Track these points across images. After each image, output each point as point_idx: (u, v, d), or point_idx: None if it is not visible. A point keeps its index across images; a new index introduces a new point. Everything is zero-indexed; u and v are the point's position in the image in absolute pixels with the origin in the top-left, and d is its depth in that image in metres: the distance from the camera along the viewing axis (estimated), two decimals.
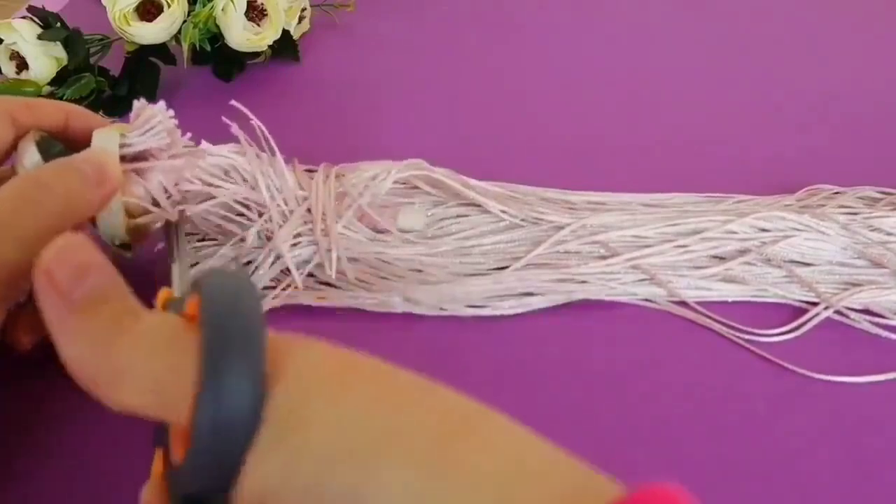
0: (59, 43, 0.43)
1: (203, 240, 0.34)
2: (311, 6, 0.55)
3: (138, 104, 0.29)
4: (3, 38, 0.43)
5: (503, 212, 0.36)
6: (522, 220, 0.36)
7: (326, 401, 0.16)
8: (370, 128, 0.45)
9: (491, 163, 0.40)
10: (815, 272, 0.35)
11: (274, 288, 0.32)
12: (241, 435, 0.15)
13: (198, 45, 0.46)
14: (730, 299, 0.34)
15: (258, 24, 0.47)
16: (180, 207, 0.30)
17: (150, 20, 0.44)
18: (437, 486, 0.14)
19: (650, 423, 0.29)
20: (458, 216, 0.36)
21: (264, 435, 0.15)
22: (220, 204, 0.32)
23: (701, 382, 0.30)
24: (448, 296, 0.32)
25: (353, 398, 0.16)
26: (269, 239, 0.33)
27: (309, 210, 0.34)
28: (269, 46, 0.48)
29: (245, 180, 0.32)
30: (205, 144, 0.32)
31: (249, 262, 0.33)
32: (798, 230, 0.35)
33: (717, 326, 0.32)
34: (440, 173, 0.37)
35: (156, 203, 0.29)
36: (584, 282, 0.33)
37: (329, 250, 0.32)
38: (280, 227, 0.33)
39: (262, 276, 0.32)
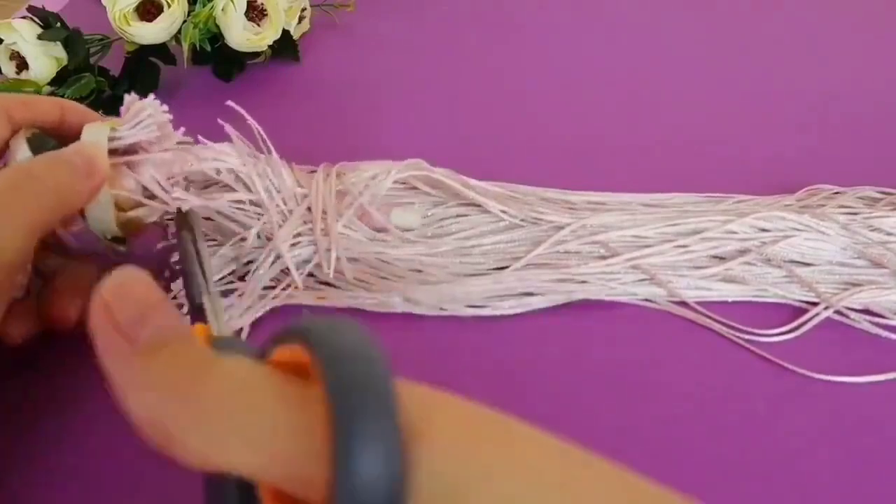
0: (59, 43, 0.43)
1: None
2: (311, 6, 0.55)
3: (129, 98, 0.29)
4: (3, 38, 0.43)
5: (503, 212, 0.36)
6: (522, 220, 0.36)
7: (486, 472, 0.14)
8: (370, 128, 0.45)
9: (491, 163, 0.40)
10: (815, 272, 0.35)
11: (273, 288, 0.32)
12: None
13: (198, 45, 0.46)
14: (730, 299, 0.34)
15: (258, 24, 0.47)
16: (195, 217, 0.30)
17: (150, 20, 0.44)
18: None
19: (650, 423, 0.29)
20: (457, 216, 0.36)
21: None
22: (219, 205, 0.32)
23: (701, 382, 0.30)
24: (448, 296, 0.32)
25: (517, 469, 0.14)
26: (268, 239, 0.33)
27: (309, 209, 0.34)
28: (269, 46, 0.48)
29: (240, 180, 0.32)
30: (211, 145, 0.32)
31: (249, 262, 0.33)
32: (798, 230, 0.35)
33: (717, 326, 0.32)
34: (440, 173, 0.37)
35: (150, 196, 0.29)
36: (584, 282, 0.33)
37: (328, 250, 0.32)
38: (280, 226, 0.33)
39: (262, 276, 0.32)
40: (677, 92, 0.50)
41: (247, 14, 0.46)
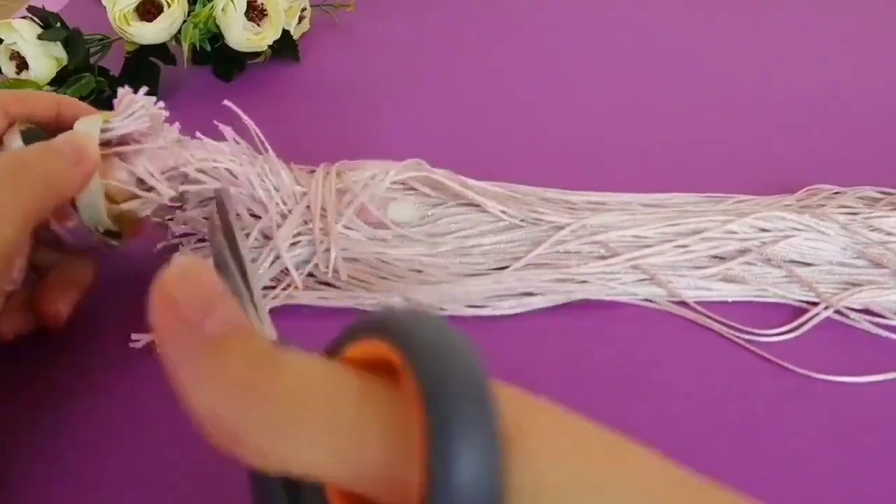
0: (59, 43, 0.43)
1: (202, 240, 0.33)
2: (311, 6, 0.55)
3: (122, 91, 0.29)
4: (3, 38, 0.43)
5: (503, 212, 0.36)
6: (522, 220, 0.36)
7: (595, 484, 0.13)
8: (370, 128, 0.45)
9: (491, 163, 0.40)
10: (815, 272, 0.35)
11: (274, 288, 0.32)
12: None
13: (198, 45, 0.46)
14: (730, 299, 0.34)
15: (258, 24, 0.47)
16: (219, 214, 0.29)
17: (150, 20, 0.45)
18: None
19: (650, 423, 0.29)
20: (458, 216, 0.36)
21: None
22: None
23: (701, 382, 0.30)
24: (448, 296, 0.32)
25: (624, 482, 0.14)
26: (266, 238, 0.33)
27: (308, 207, 0.34)
28: (269, 46, 0.48)
29: (236, 178, 0.32)
30: (206, 141, 0.32)
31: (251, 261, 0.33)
32: (798, 230, 0.35)
33: (717, 326, 0.32)
34: (439, 174, 0.37)
35: (144, 189, 0.29)
36: (584, 282, 0.33)
37: (327, 250, 0.32)
38: (278, 226, 0.33)
39: (262, 276, 0.32)
40: (677, 92, 0.50)
41: (247, 14, 0.46)
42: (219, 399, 0.13)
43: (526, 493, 0.13)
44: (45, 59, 0.43)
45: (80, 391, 0.28)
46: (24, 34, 0.43)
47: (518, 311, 0.32)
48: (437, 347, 0.13)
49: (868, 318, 0.33)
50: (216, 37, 0.47)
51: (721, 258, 0.35)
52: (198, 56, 0.47)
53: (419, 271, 0.34)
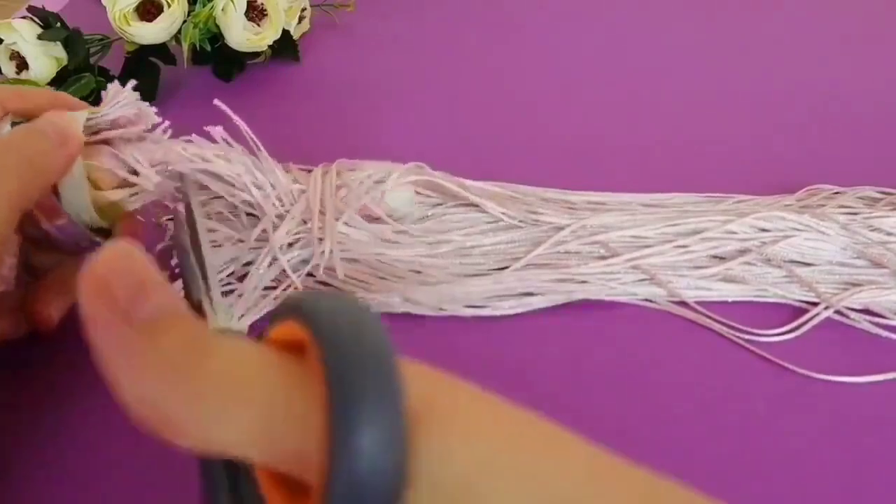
0: (59, 43, 0.43)
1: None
2: (311, 6, 0.55)
3: (111, 85, 0.29)
4: (3, 38, 0.43)
5: (503, 213, 0.36)
6: (522, 220, 0.36)
7: (502, 465, 0.13)
8: (370, 128, 0.45)
9: (491, 163, 0.40)
10: (815, 272, 0.35)
11: (275, 289, 0.32)
12: (387, 493, 0.13)
13: (198, 45, 0.46)
14: (730, 299, 0.34)
15: (258, 24, 0.47)
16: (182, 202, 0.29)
17: (150, 20, 0.44)
18: None
19: (650, 423, 0.29)
20: (457, 217, 0.36)
21: (420, 502, 0.13)
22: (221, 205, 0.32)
23: (701, 382, 0.30)
24: (448, 296, 0.32)
25: (533, 461, 0.13)
26: (265, 241, 0.33)
27: (307, 206, 0.33)
28: (269, 46, 0.48)
29: (231, 184, 0.32)
30: (196, 139, 0.31)
31: (249, 263, 0.33)
32: (798, 230, 0.35)
33: (717, 326, 0.32)
34: (439, 177, 0.37)
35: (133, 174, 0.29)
36: (584, 282, 0.33)
37: (323, 252, 0.32)
38: (275, 227, 0.32)
39: (261, 277, 0.32)
40: (677, 92, 0.50)
41: (247, 14, 0.46)
42: (147, 385, 0.13)
43: (433, 472, 0.13)
44: (45, 59, 0.43)
45: (80, 391, 0.28)
46: (24, 34, 0.43)
47: (518, 311, 0.32)
48: (342, 327, 0.13)
49: (868, 318, 0.33)
50: (216, 37, 0.47)
51: (721, 258, 0.35)
52: (198, 56, 0.47)
53: (419, 272, 0.34)
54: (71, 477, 0.26)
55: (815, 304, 0.33)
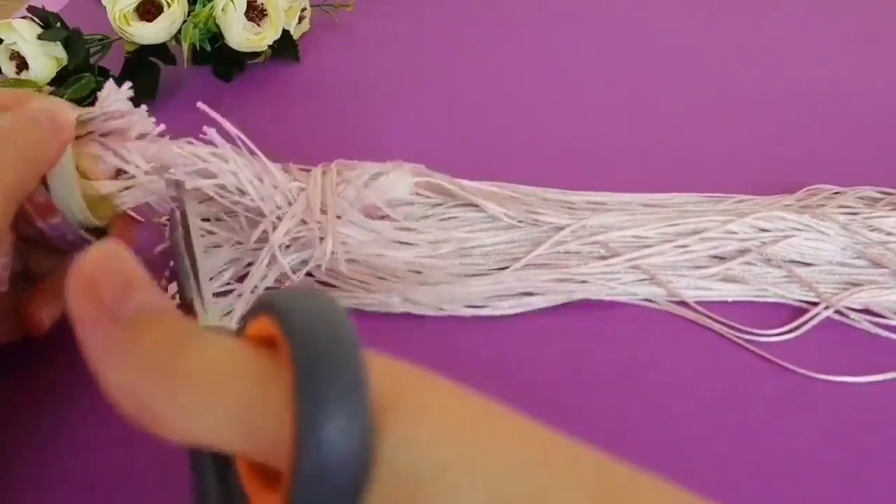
0: (59, 43, 0.43)
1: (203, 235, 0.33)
2: (311, 6, 0.55)
3: (106, 85, 0.29)
4: (3, 38, 0.43)
5: (503, 213, 0.36)
6: (522, 220, 0.36)
7: (464, 454, 0.13)
8: (370, 128, 0.45)
9: (491, 163, 0.40)
10: (815, 272, 0.35)
11: (276, 289, 0.32)
12: (351, 481, 0.13)
13: (198, 45, 0.46)
14: (730, 299, 0.34)
15: (258, 24, 0.47)
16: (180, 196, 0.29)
17: (150, 20, 0.44)
18: None
19: (650, 423, 0.29)
20: (458, 217, 0.36)
21: (384, 490, 0.13)
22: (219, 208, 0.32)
23: (701, 382, 0.30)
24: (448, 296, 0.32)
25: (494, 449, 0.14)
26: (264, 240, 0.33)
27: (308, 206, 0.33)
28: (269, 46, 0.48)
29: (224, 186, 0.32)
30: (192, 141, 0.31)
31: (250, 264, 0.33)
32: (798, 230, 0.35)
33: (717, 326, 0.32)
34: (438, 178, 0.37)
35: (122, 172, 0.28)
36: (584, 282, 0.33)
37: (325, 252, 0.32)
38: (275, 228, 0.32)
39: (264, 279, 0.32)
40: (677, 92, 0.50)
41: (247, 14, 0.46)
42: (132, 381, 0.14)
43: (396, 463, 0.13)
44: (45, 59, 0.43)
45: (80, 391, 0.28)
46: (24, 34, 0.43)
47: (518, 311, 0.32)
48: (310, 323, 0.14)
49: (868, 318, 0.33)
50: (216, 37, 0.47)
51: (721, 258, 0.35)
52: (198, 56, 0.47)
53: (419, 272, 0.34)
54: (71, 476, 0.26)
55: (815, 304, 0.33)
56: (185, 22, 0.46)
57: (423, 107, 0.47)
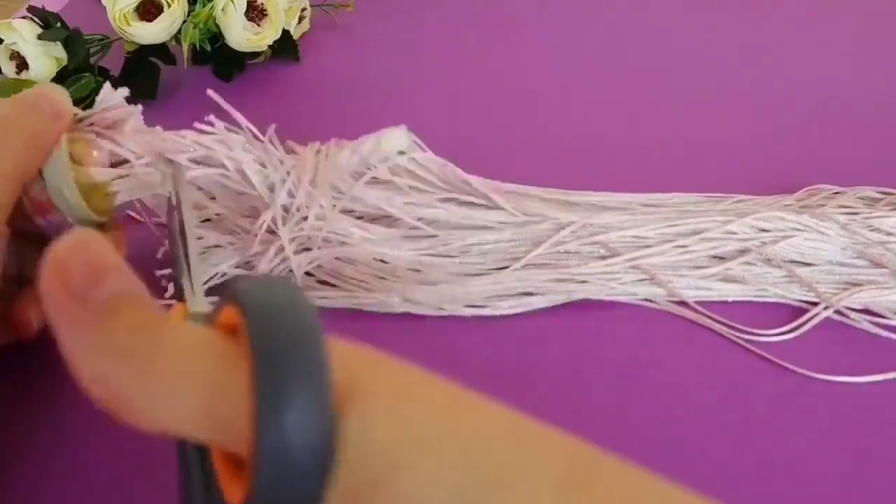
0: (59, 43, 0.43)
1: (200, 238, 0.33)
2: (311, 6, 0.55)
3: (105, 87, 0.29)
4: (3, 38, 0.43)
5: (505, 207, 0.36)
6: (522, 220, 0.36)
7: (426, 440, 0.13)
8: (370, 128, 0.45)
9: (491, 163, 0.40)
10: (815, 272, 0.35)
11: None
12: (313, 466, 0.13)
13: (198, 45, 0.46)
14: (730, 299, 0.34)
15: (258, 24, 0.47)
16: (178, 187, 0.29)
17: (150, 20, 0.44)
18: None
19: (650, 423, 0.29)
20: (458, 216, 0.36)
21: (347, 476, 0.13)
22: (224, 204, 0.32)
23: (701, 382, 0.30)
24: (448, 296, 0.32)
25: (456, 436, 0.14)
26: (271, 232, 0.33)
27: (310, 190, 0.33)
28: (269, 46, 0.48)
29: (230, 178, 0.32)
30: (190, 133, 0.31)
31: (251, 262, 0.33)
32: (798, 230, 0.35)
33: (717, 326, 0.32)
34: (439, 160, 0.36)
35: (121, 163, 0.28)
36: (584, 282, 0.33)
37: (321, 247, 0.32)
38: (277, 222, 0.32)
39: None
40: (677, 92, 0.50)
41: (247, 14, 0.46)
42: (101, 365, 0.14)
43: (358, 446, 0.13)
44: (45, 59, 0.43)
45: (80, 391, 0.28)
46: (24, 34, 0.43)
47: (518, 311, 0.32)
48: (269, 308, 0.14)
49: (868, 318, 0.33)
50: (216, 37, 0.47)
51: (721, 258, 0.35)
52: (198, 56, 0.47)
53: (418, 271, 0.34)
54: (71, 477, 0.26)
55: (815, 304, 0.33)
56: (185, 22, 0.46)
57: (423, 107, 0.47)
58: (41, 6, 0.46)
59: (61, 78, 0.43)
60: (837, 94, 0.50)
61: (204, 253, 0.33)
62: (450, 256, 0.34)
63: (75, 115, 0.28)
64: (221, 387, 0.14)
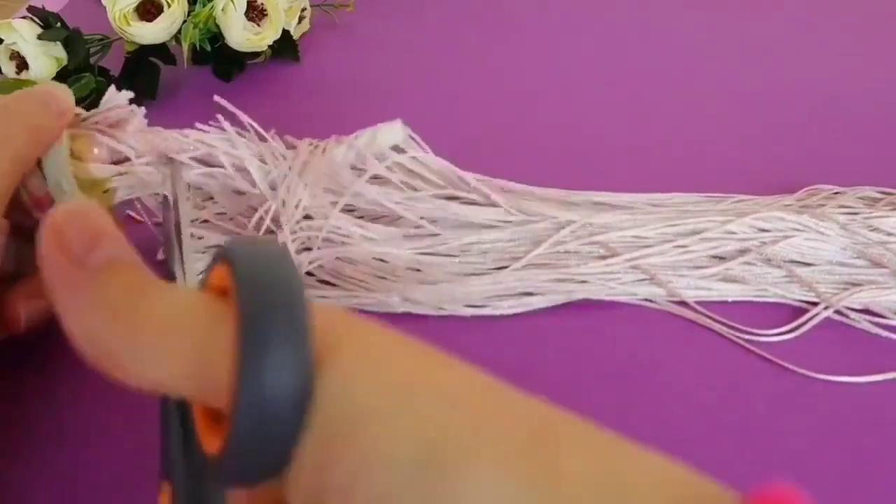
0: (59, 43, 0.43)
1: (200, 238, 0.33)
2: (311, 6, 0.55)
3: (109, 90, 0.29)
4: (3, 38, 0.43)
5: (503, 206, 0.36)
6: (522, 219, 0.36)
7: (400, 396, 0.14)
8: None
9: (491, 163, 0.40)
10: (815, 272, 0.35)
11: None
12: (290, 416, 0.13)
13: (198, 45, 0.46)
14: (730, 299, 0.34)
15: (258, 24, 0.47)
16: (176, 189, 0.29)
17: (150, 20, 0.44)
18: (531, 497, 0.13)
19: (650, 423, 0.29)
20: (457, 215, 0.36)
21: (322, 428, 0.14)
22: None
23: (701, 382, 0.30)
24: (448, 296, 0.32)
25: (430, 394, 0.14)
26: (272, 232, 0.33)
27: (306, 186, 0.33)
28: (269, 46, 0.48)
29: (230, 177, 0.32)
30: (192, 132, 0.31)
31: None
32: (798, 230, 0.35)
33: (717, 326, 0.32)
34: (439, 160, 0.36)
35: (121, 161, 0.28)
36: (584, 282, 0.33)
37: (320, 247, 0.32)
38: (278, 213, 0.32)
39: None
40: (677, 92, 0.50)
41: (247, 14, 0.46)
42: (93, 323, 0.15)
43: (336, 401, 0.14)
44: (45, 59, 0.43)
45: (81, 390, 0.28)
46: (24, 34, 0.43)
47: (518, 311, 0.32)
48: (256, 265, 0.15)
49: (868, 318, 0.33)
50: (216, 37, 0.47)
51: (721, 258, 0.35)
52: (198, 56, 0.47)
53: (418, 270, 0.34)
54: (70, 476, 0.26)
55: (815, 304, 0.33)
56: (185, 22, 0.46)
57: (423, 107, 0.47)
58: (41, 6, 0.46)
59: (61, 78, 0.43)
60: (837, 94, 0.50)
61: (204, 252, 0.33)
62: (450, 256, 0.34)
63: (79, 113, 0.28)
64: (208, 343, 0.14)
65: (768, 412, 0.29)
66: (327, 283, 0.33)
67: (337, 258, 0.33)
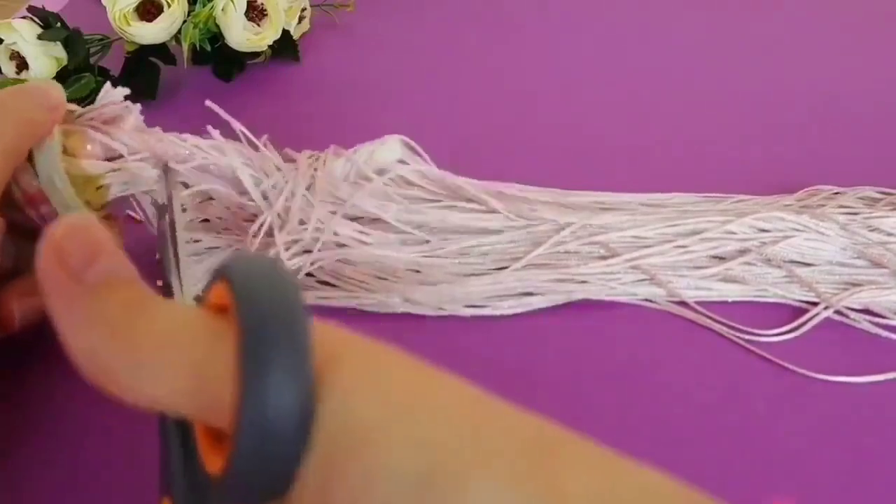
0: (59, 43, 0.43)
1: (198, 241, 0.33)
2: (311, 6, 0.55)
3: (105, 87, 0.29)
4: (3, 38, 0.43)
5: (503, 212, 0.36)
6: (522, 220, 0.36)
7: (401, 411, 0.14)
8: (370, 128, 0.45)
9: (491, 163, 0.40)
10: (815, 272, 0.35)
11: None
12: (293, 436, 0.13)
13: (198, 45, 0.46)
14: (730, 299, 0.34)
15: (258, 24, 0.47)
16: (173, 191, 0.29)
17: (150, 20, 0.44)
18: None
19: (650, 423, 0.29)
20: (457, 216, 0.36)
21: (324, 447, 0.14)
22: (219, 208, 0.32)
23: (701, 382, 0.30)
24: (448, 296, 0.32)
25: (430, 408, 0.14)
26: (269, 235, 0.33)
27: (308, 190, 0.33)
28: (269, 46, 0.48)
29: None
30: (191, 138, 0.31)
31: None
32: (798, 230, 0.35)
33: (717, 326, 0.32)
34: (435, 171, 0.36)
35: (115, 157, 0.28)
36: (584, 282, 0.33)
37: (321, 249, 0.32)
38: (276, 226, 0.32)
39: None
40: (677, 92, 0.50)
41: (247, 14, 0.46)
42: (92, 339, 0.15)
43: (337, 420, 0.14)
44: (45, 59, 0.43)
45: (80, 391, 0.28)
46: (24, 34, 0.43)
47: (518, 311, 0.32)
48: (256, 284, 0.15)
49: (868, 318, 0.33)
50: (216, 37, 0.47)
51: (721, 258, 0.35)
52: (198, 56, 0.47)
53: (418, 271, 0.34)
54: (70, 475, 0.26)
55: (815, 304, 0.33)
56: (185, 22, 0.46)
57: (423, 107, 0.47)
58: (41, 6, 0.46)
59: (61, 78, 0.43)
60: (837, 94, 0.50)
61: (202, 255, 0.33)
62: (449, 258, 0.34)
63: (73, 110, 0.28)
64: (207, 361, 0.14)
65: (768, 412, 0.29)
66: (327, 283, 0.33)
67: (337, 260, 0.33)
